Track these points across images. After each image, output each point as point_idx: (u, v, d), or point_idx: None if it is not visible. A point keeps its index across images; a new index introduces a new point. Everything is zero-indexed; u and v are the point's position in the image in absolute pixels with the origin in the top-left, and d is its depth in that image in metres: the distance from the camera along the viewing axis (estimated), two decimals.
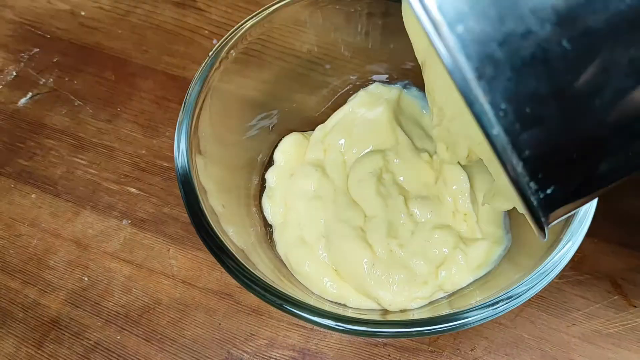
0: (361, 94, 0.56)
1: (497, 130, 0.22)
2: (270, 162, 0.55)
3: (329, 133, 0.55)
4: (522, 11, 0.21)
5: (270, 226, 0.52)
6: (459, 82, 0.21)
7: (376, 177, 0.50)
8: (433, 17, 0.21)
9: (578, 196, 0.25)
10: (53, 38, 0.69)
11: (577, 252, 0.40)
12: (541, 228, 0.25)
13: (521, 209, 0.25)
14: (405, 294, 0.46)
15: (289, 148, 0.55)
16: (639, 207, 0.54)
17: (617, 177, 0.25)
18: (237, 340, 0.50)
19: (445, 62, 0.21)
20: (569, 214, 0.27)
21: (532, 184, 0.23)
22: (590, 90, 0.22)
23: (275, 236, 0.51)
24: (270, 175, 0.54)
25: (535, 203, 0.24)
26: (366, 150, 0.53)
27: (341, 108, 0.56)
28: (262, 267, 0.42)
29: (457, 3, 0.21)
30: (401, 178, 0.51)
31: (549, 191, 0.24)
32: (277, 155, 0.55)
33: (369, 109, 0.55)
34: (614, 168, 0.24)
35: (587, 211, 0.41)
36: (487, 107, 0.22)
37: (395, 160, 0.51)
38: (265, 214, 0.53)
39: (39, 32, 0.69)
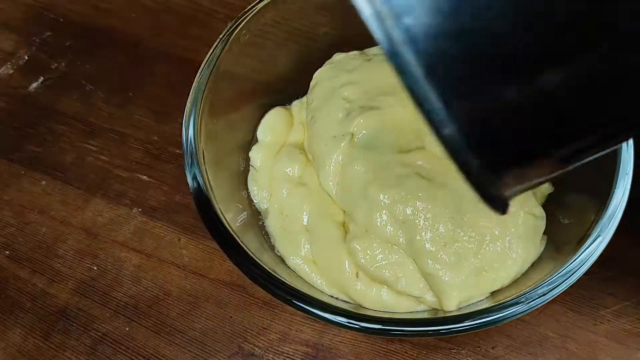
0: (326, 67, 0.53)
1: (450, 129, 0.20)
2: (255, 140, 0.52)
3: (307, 107, 0.51)
4: (480, 4, 0.18)
5: (260, 213, 0.49)
6: (407, 78, 0.19)
7: None
8: (377, 9, 0.19)
9: (538, 179, 0.24)
10: (66, 21, 0.67)
11: (606, 246, 0.38)
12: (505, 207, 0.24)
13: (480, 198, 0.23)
14: (395, 309, 0.43)
15: (272, 124, 0.52)
16: None
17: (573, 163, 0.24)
18: (249, 334, 0.48)
19: (391, 58, 0.19)
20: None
21: (492, 177, 0.22)
22: (554, 89, 0.20)
23: (266, 224, 0.48)
24: (254, 154, 0.51)
25: (496, 194, 0.22)
26: None
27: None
28: (259, 255, 0.40)
29: None
30: None
31: (508, 179, 0.22)
32: (261, 132, 0.52)
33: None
34: (570, 158, 0.23)
35: (618, 206, 0.38)
36: (437, 106, 0.20)
37: None
38: (252, 198, 0.50)
39: (52, 15, 0.67)
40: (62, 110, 0.61)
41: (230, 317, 0.49)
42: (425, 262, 0.41)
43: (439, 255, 0.41)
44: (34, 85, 0.63)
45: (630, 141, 0.40)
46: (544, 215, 0.44)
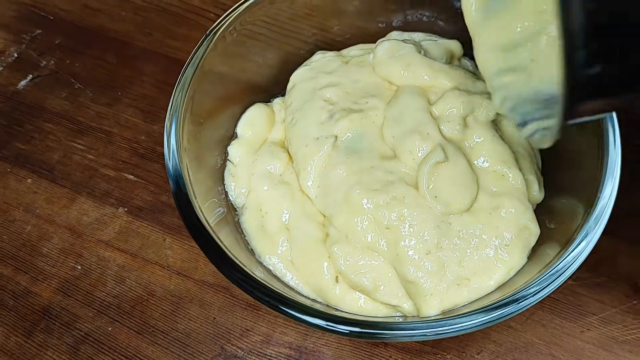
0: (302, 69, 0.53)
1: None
2: (234, 136, 0.52)
3: (287, 109, 0.51)
4: None
5: (236, 209, 0.49)
6: None
7: None
8: None
9: (620, 88, 0.22)
10: (56, 19, 0.67)
11: (593, 252, 0.37)
12: (567, 116, 0.23)
13: (558, 84, 0.21)
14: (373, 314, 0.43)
15: (253, 120, 0.51)
16: None
17: None
18: (232, 336, 0.48)
19: None
20: (596, 115, 0.24)
21: (583, 53, 0.20)
22: None
23: (241, 220, 0.48)
24: (233, 150, 0.50)
25: (577, 77, 0.21)
26: None
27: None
28: (235, 253, 0.39)
29: None
30: None
31: (597, 69, 0.21)
32: (241, 127, 0.51)
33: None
34: None
35: (605, 208, 0.38)
36: None
37: None
38: (228, 194, 0.49)
39: (42, 13, 0.67)
40: (50, 108, 0.60)
41: (214, 318, 0.48)
42: (407, 270, 0.40)
43: (422, 263, 0.40)
44: (23, 82, 0.62)
45: (618, 144, 0.39)
46: (538, 232, 0.43)
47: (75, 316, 0.49)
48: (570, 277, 0.37)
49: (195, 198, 0.40)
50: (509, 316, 0.36)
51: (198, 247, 0.39)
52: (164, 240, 0.52)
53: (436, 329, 0.36)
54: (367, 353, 0.46)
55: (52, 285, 0.51)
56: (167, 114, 0.43)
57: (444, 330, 0.36)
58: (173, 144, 0.42)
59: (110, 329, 0.49)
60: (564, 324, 0.47)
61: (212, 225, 0.40)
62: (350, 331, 0.36)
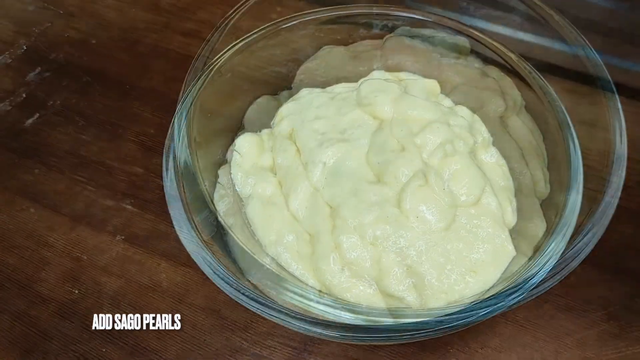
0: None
1: None
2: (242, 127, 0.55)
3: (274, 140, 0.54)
4: None
5: (242, 199, 0.50)
6: None
7: None
8: None
9: None
10: (65, 62, 0.71)
11: (569, 276, 0.39)
12: None
13: None
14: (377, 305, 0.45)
15: (259, 114, 0.55)
16: (632, 235, 0.53)
17: None
18: (237, 327, 0.50)
19: None
20: None
21: None
22: None
23: (247, 210, 0.49)
24: (241, 140, 0.53)
25: None
26: None
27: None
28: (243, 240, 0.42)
29: None
30: None
31: None
32: (249, 119, 0.54)
33: None
34: None
35: (609, 204, 0.40)
36: None
37: None
38: (235, 184, 0.51)
39: (51, 57, 0.72)
40: (54, 144, 0.64)
41: (205, 340, 0.50)
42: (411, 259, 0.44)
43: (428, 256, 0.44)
44: (30, 121, 0.66)
45: (624, 140, 0.43)
46: (514, 254, 0.46)
47: (70, 338, 0.50)
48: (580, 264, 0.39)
49: (206, 188, 0.42)
50: (516, 305, 0.38)
51: (204, 242, 0.41)
52: (159, 265, 0.54)
53: (438, 326, 0.38)
54: (371, 345, 0.47)
55: (50, 309, 0.52)
56: (178, 105, 0.46)
57: (447, 319, 0.38)
58: (184, 135, 0.44)
59: (104, 350, 0.50)
60: (568, 318, 0.49)
61: (221, 215, 0.42)
62: (356, 319, 0.38)
